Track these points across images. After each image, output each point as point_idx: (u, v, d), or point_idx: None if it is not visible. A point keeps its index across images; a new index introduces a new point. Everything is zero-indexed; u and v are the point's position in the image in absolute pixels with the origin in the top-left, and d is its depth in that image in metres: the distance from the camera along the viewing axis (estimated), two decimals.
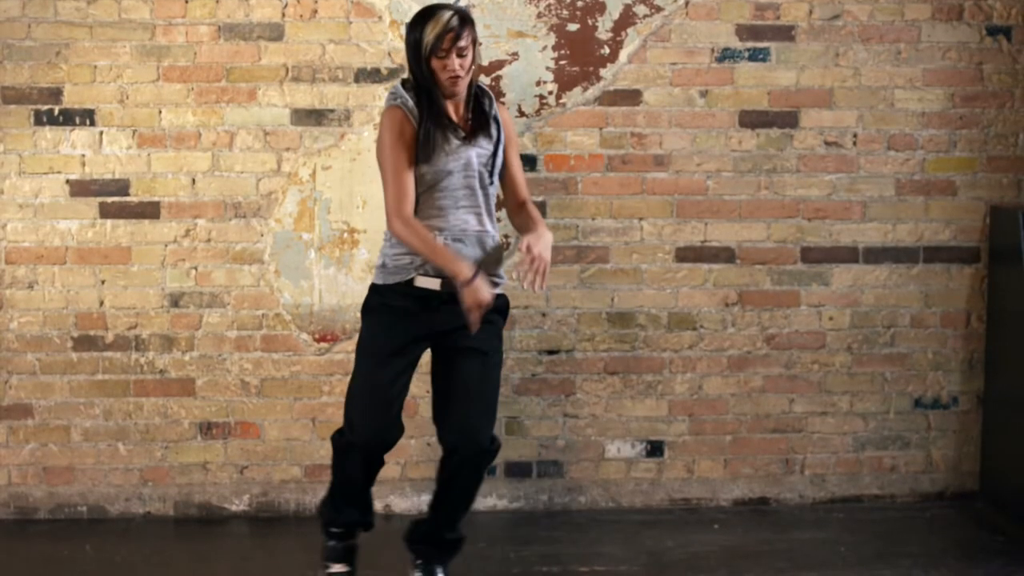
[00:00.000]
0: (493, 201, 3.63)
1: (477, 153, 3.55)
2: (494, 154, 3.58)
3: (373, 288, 3.63)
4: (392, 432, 3.60)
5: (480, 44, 3.68)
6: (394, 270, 3.56)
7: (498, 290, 3.56)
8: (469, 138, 3.54)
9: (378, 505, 4.68)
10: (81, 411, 4.66)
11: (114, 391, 4.66)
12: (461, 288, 3.38)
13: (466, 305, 3.39)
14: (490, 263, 3.56)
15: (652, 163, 4.70)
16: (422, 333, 3.57)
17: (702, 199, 4.72)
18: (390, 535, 4.48)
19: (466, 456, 3.53)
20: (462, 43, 3.43)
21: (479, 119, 3.58)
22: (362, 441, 3.59)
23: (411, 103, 3.50)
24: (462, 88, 3.50)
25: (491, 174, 3.58)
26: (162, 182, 4.61)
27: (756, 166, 4.72)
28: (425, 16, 3.48)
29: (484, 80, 4.60)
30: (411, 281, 3.53)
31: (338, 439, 3.72)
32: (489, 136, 3.59)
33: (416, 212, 3.51)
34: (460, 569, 3.70)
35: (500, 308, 3.59)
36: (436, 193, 3.52)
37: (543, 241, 3.44)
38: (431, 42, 3.42)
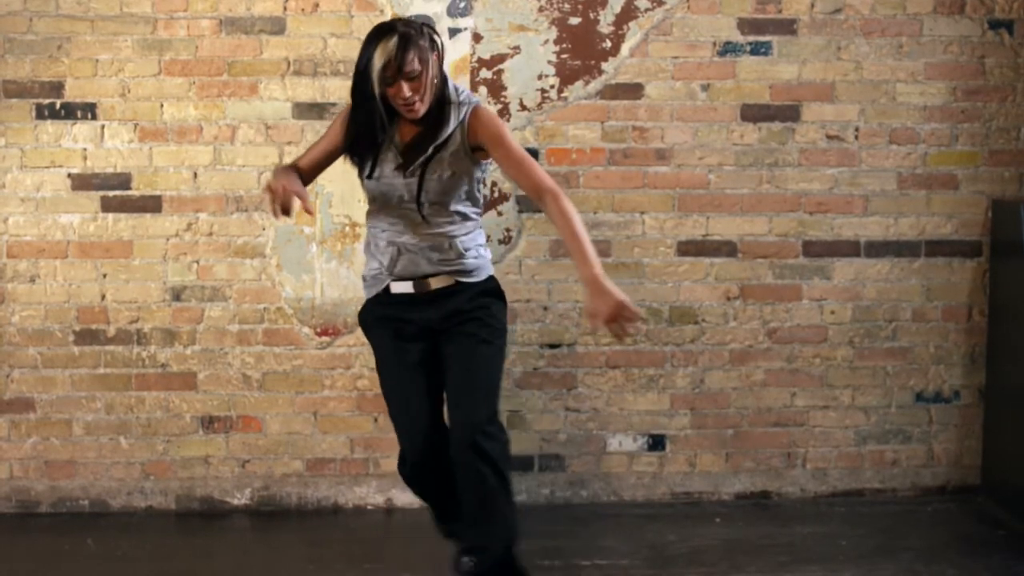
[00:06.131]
0: (436, 212, 3.42)
1: (405, 183, 3.39)
2: (421, 176, 3.36)
3: (364, 304, 3.58)
4: (433, 438, 3.46)
5: (440, 54, 3.37)
6: (372, 282, 3.51)
7: (473, 279, 3.46)
8: (402, 167, 3.37)
9: (379, 499, 4.70)
10: (83, 405, 4.66)
11: (116, 385, 4.66)
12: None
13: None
14: (433, 270, 3.44)
15: (654, 157, 4.69)
16: (416, 332, 3.48)
17: (704, 193, 4.71)
18: (392, 529, 4.50)
19: (461, 438, 3.37)
20: (407, 68, 3.24)
21: (419, 144, 3.37)
22: (410, 457, 3.50)
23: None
24: (421, 111, 3.31)
25: (419, 199, 3.37)
26: (164, 176, 4.61)
27: (758, 160, 4.71)
28: (372, 39, 3.29)
29: (485, 74, 4.61)
30: (387, 289, 3.47)
31: (401, 472, 3.62)
32: (422, 158, 3.37)
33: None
34: None
35: (488, 290, 3.49)
36: (373, 207, 3.50)
37: (605, 303, 3.09)
38: (378, 72, 3.25)
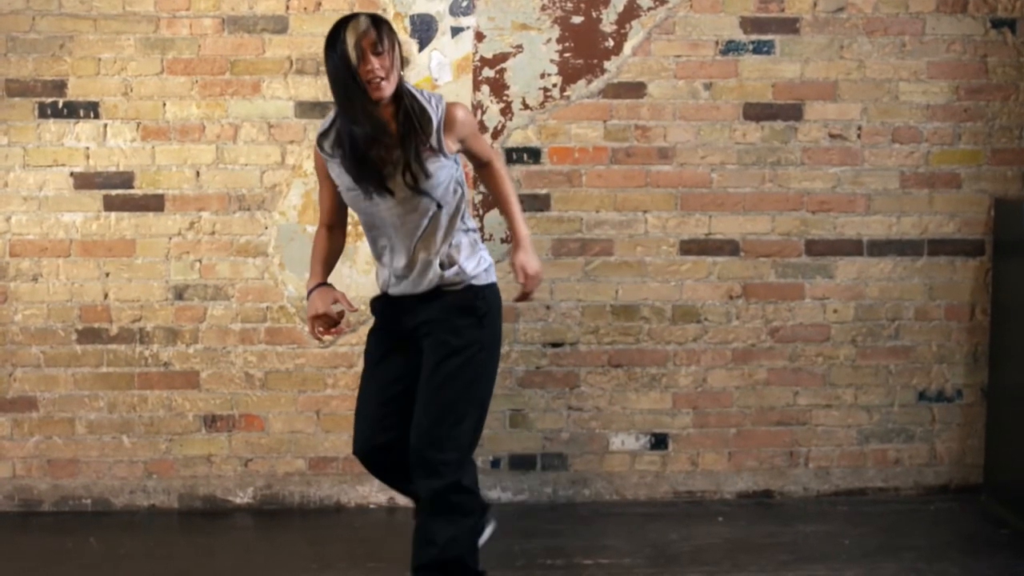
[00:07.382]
0: (442, 222, 3.42)
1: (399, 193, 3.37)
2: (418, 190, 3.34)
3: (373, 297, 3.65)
4: (375, 440, 3.50)
5: (401, 48, 3.40)
6: (379, 282, 3.55)
7: (453, 282, 3.42)
8: (394, 190, 3.36)
9: (382, 498, 4.70)
10: (85, 404, 4.67)
11: (118, 384, 4.66)
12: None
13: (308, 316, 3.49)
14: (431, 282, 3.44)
15: (656, 156, 4.69)
16: (394, 336, 3.51)
17: (706, 192, 4.71)
18: (394, 528, 4.50)
19: (414, 464, 3.39)
20: (374, 39, 3.27)
21: (413, 160, 3.34)
22: (355, 452, 3.56)
23: (327, 148, 3.40)
24: (387, 91, 3.31)
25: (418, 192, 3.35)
26: (166, 175, 4.61)
27: (760, 159, 4.71)
28: (341, 24, 3.33)
29: (488, 73, 4.61)
30: (387, 292, 3.51)
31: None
32: (422, 174, 3.34)
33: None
34: None
35: (465, 306, 3.42)
36: (368, 229, 3.50)
37: (531, 259, 3.53)
38: (353, 49, 3.26)
